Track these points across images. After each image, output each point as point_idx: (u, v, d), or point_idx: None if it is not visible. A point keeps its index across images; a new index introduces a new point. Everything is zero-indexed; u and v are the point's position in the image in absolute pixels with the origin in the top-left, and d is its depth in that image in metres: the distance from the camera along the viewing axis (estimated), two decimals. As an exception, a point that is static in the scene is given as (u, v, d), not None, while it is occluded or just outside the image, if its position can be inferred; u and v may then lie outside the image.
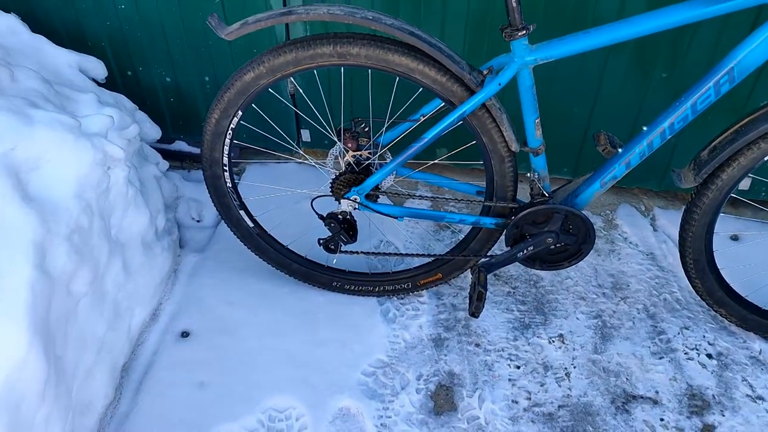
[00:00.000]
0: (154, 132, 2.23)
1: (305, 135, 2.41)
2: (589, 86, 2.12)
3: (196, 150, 2.48)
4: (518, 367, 1.87)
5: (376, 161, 1.77)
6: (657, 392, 1.81)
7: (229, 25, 1.54)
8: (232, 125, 1.71)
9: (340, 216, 1.77)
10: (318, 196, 1.77)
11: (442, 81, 1.56)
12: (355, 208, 1.77)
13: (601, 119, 2.19)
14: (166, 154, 2.40)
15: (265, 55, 1.58)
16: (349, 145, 1.75)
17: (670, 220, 2.32)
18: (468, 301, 1.74)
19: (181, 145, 2.48)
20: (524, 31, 1.47)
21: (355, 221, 1.80)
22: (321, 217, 1.78)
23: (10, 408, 1.27)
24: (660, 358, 1.90)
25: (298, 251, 2.00)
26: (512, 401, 1.78)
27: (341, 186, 1.76)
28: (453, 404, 1.78)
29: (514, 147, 1.65)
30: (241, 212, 1.89)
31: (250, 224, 1.92)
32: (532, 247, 1.75)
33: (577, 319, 2.01)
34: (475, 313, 1.71)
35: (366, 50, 1.53)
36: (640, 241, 2.27)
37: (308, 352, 1.87)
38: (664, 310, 2.04)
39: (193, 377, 1.80)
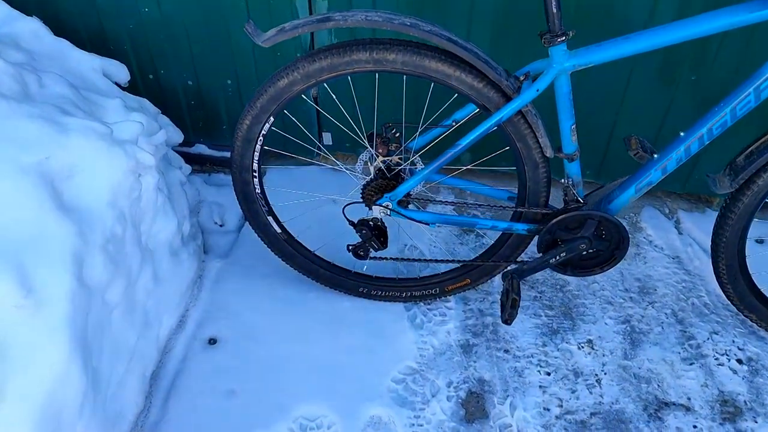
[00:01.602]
0: (177, 136, 2.21)
1: (326, 138, 2.40)
2: (616, 88, 2.11)
3: (216, 153, 2.46)
4: (548, 374, 1.86)
5: (407, 167, 1.76)
6: (689, 399, 1.81)
7: (265, 32, 1.52)
8: (263, 131, 1.69)
9: (371, 223, 1.75)
10: (350, 203, 1.75)
11: (478, 87, 1.55)
12: (386, 215, 1.75)
13: (627, 122, 2.18)
14: (187, 158, 2.38)
15: (299, 61, 1.57)
16: (380, 150, 1.73)
17: (695, 223, 2.31)
18: (500, 307, 1.73)
19: (201, 149, 2.46)
20: (564, 37, 1.46)
21: (386, 228, 1.79)
22: (352, 223, 1.77)
23: (51, 422, 1.26)
24: (690, 364, 1.89)
25: (325, 256, 1.99)
26: (544, 408, 1.77)
27: (372, 192, 1.74)
28: (484, 411, 1.77)
29: (549, 153, 1.63)
30: (269, 218, 1.88)
31: (278, 230, 1.90)
32: (564, 253, 1.74)
33: (606, 324, 2.00)
34: (508, 320, 1.69)
35: (403, 56, 1.52)
36: (666, 245, 2.26)
37: (337, 359, 1.86)
38: (693, 314, 2.03)
39: (222, 385, 1.79)
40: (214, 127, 2.39)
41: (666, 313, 2.03)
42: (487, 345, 1.93)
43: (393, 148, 1.75)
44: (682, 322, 2.01)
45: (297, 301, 2.02)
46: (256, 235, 1.94)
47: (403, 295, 1.99)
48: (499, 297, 2.06)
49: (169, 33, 2.16)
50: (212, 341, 1.89)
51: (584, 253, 1.75)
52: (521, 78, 1.57)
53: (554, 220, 1.69)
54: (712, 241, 1.81)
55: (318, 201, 2.16)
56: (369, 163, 1.79)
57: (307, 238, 1.97)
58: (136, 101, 2.05)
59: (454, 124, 1.71)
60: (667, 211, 2.40)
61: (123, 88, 2.10)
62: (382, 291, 1.99)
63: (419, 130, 1.72)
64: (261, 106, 1.64)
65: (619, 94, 2.13)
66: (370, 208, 1.76)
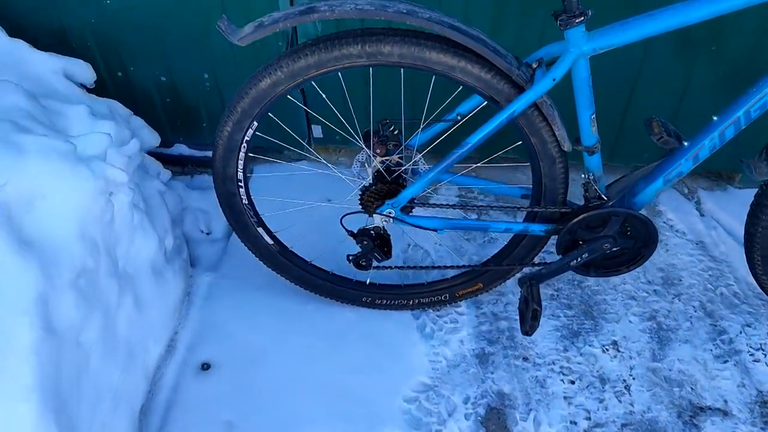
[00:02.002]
0: (153, 138, 2.02)
1: (316, 131, 2.21)
2: (631, 61, 1.93)
3: (197, 153, 2.27)
4: (573, 382, 1.71)
5: (409, 168, 1.59)
6: (726, 402, 1.67)
7: (241, 28, 1.33)
8: (246, 137, 1.51)
9: (372, 232, 1.58)
10: (348, 214, 1.58)
11: (486, 78, 1.37)
12: (389, 223, 1.59)
13: (642, 98, 2.01)
14: (165, 159, 2.21)
15: (282, 58, 1.38)
16: (378, 150, 1.56)
17: (717, 203, 2.16)
18: (519, 317, 1.58)
19: (181, 149, 2.27)
20: (582, 18, 1.28)
21: (389, 236, 1.62)
22: (351, 234, 1.60)
23: (23, 494, 1.10)
24: (724, 362, 1.75)
25: (322, 266, 1.82)
26: (571, 422, 1.63)
27: (372, 198, 1.57)
28: (506, 429, 1.62)
29: (567, 147, 1.46)
30: (259, 230, 1.70)
31: (270, 242, 1.73)
32: (587, 254, 1.58)
33: (630, 322, 1.85)
34: (529, 332, 1.54)
35: (400, 48, 1.33)
36: (688, 229, 2.11)
37: (343, 379, 1.70)
38: (722, 306, 1.88)
39: (219, 416, 1.63)
40: (194, 125, 2.20)
41: (694, 306, 1.88)
42: (504, 353, 1.78)
43: (391, 147, 1.58)
44: (712, 315, 1.86)
45: (296, 316, 1.85)
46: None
47: (410, 302, 1.83)
48: (513, 297, 1.90)
49: (137, 25, 1.95)
50: (205, 366, 1.73)
51: (608, 252, 1.59)
52: (534, 65, 1.39)
53: (576, 220, 1.53)
54: (746, 230, 1.65)
55: (312, 207, 1.99)
56: (366, 165, 1.61)
57: (302, 248, 1.80)
58: (105, 104, 1.86)
59: (458, 118, 1.54)
60: (687, 192, 2.24)
61: (89, 90, 1.91)
62: (387, 299, 1.83)
63: (421, 126, 1.55)
64: (242, 111, 1.45)
65: (635, 67, 1.95)
66: (371, 216, 1.59)
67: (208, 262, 2.01)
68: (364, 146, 1.58)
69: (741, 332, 1.81)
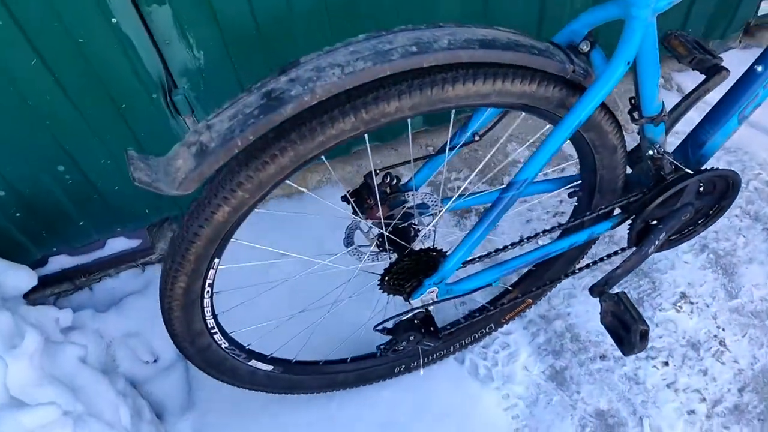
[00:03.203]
0: (24, 279, 1.43)
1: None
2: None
3: (84, 259, 1.66)
4: (666, 363, 1.46)
5: (424, 217, 1.16)
6: (823, 315, 1.49)
7: (170, 161, 0.80)
8: (209, 280, 1.02)
9: (416, 320, 1.17)
10: (385, 321, 1.14)
11: (531, 91, 0.95)
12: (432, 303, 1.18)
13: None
14: (47, 283, 1.62)
15: (239, 172, 0.87)
16: (379, 214, 1.12)
17: (697, 82, 1.89)
18: (614, 340, 1.25)
19: (62, 262, 1.65)
20: (651, -31, 0.88)
21: (429, 311, 1.22)
22: (390, 332, 1.18)
23: None
24: (797, 270, 1.56)
25: (337, 356, 1.40)
26: (688, 412, 1.39)
27: (399, 281, 1.14)
28: (629, 453, 1.36)
29: (630, 128, 1.11)
30: (252, 363, 1.24)
31: (269, 368, 1.27)
32: (664, 234, 1.26)
33: (686, 263, 1.60)
34: (637, 353, 1.24)
35: (410, 99, 0.87)
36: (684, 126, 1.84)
37: (421, 481, 1.35)
38: (763, 202, 1.67)
39: None
40: (65, 229, 1.58)
41: (737, 215, 1.66)
42: (578, 361, 1.48)
43: (392, 199, 1.14)
44: (758, 217, 1.65)
45: (325, 424, 1.44)
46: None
47: (451, 349, 1.47)
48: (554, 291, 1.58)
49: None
50: None
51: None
52: (584, 48, 0.98)
53: (654, 204, 1.19)
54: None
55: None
56: (368, 238, 1.17)
57: (308, 352, 1.35)
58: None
59: (476, 138, 1.12)
60: (663, 82, 1.95)
61: None
62: (423, 357, 1.45)
63: (447, 157, 1.11)
64: (197, 257, 0.95)
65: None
66: (407, 301, 1.16)
67: (176, 402, 1.50)
68: (358, 213, 1.13)
69: (794, 227, 1.62)
